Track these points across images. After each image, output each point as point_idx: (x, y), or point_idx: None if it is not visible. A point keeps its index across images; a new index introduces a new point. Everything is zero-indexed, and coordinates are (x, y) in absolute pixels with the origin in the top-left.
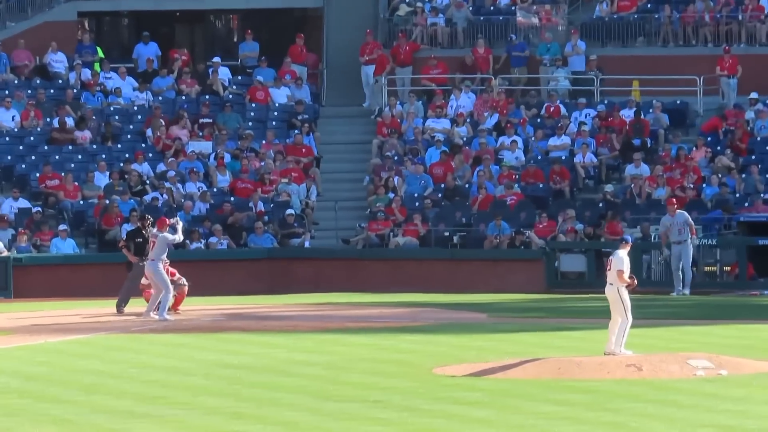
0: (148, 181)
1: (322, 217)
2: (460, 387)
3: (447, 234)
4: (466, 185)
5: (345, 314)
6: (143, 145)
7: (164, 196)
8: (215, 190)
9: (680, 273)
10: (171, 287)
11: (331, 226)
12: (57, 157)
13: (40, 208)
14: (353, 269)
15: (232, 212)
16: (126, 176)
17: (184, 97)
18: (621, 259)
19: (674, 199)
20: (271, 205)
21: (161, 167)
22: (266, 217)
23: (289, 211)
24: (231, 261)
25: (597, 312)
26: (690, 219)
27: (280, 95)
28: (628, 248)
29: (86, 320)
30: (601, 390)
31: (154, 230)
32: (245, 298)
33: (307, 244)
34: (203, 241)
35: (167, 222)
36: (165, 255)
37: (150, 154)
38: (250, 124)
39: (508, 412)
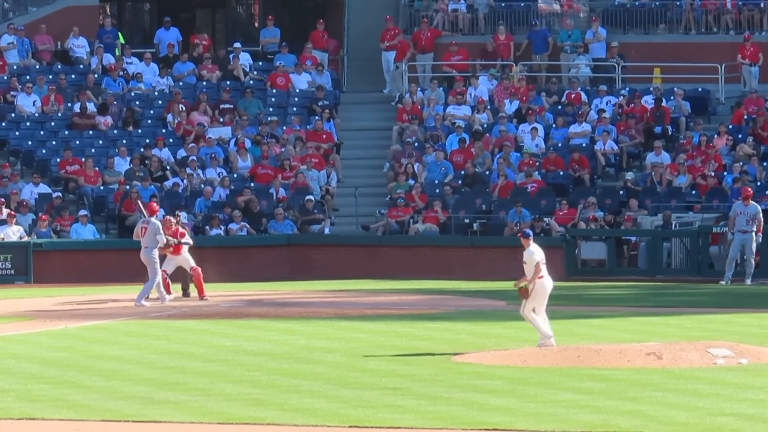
0: (168, 167)
1: (342, 203)
2: (478, 375)
3: (467, 221)
4: (486, 172)
5: (364, 301)
6: (164, 130)
7: (184, 181)
8: (235, 176)
9: (734, 262)
10: (158, 279)
11: (351, 213)
12: (78, 142)
13: (60, 194)
14: (373, 256)
15: (251, 199)
16: (146, 162)
17: (204, 83)
18: (532, 253)
19: (749, 189)
20: (291, 192)
21: (182, 153)
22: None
23: (309, 197)
24: (251, 247)
25: (617, 300)
26: (761, 214)
27: (301, 81)
28: (531, 241)
29: (105, 306)
30: (620, 378)
31: (146, 216)
32: (265, 285)
33: (327, 231)
34: (223, 227)
35: (156, 208)
36: (159, 244)
37: (170, 140)
38: (270, 109)
39: (526, 400)
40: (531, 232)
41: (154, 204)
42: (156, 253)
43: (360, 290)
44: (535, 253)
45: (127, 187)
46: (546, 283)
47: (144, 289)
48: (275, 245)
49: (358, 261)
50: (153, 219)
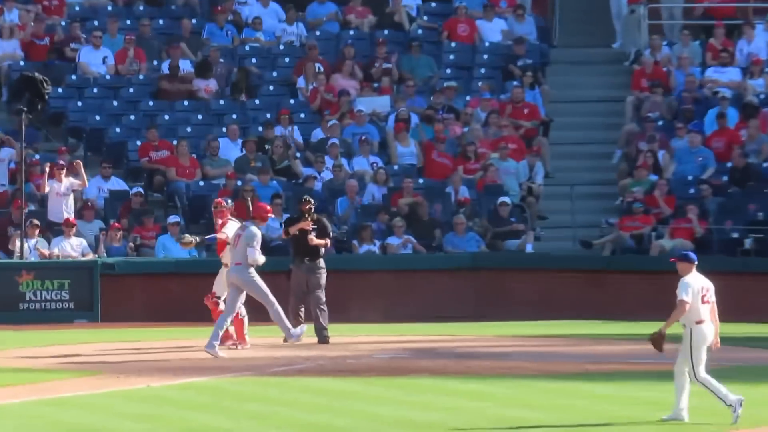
0: (299, 154)
1: (552, 208)
2: None
3: (735, 235)
4: (764, 164)
5: (584, 351)
6: (292, 101)
7: (321, 175)
8: (396, 167)
9: None
10: (273, 301)
11: (565, 223)
12: (167, 117)
13: (141, 191)
14: (596, 285)
15: (419, 201)
16: (267, 147)
17: (352, 32)
18: (687, 285)
19: None
20: (478, 191)
21: (318, 134)
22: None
23: (504, 199)
24: (418, 272)
25: None
26: None
27: (493, 31)
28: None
29: (204, 355)
30: None
31: (232, 222)
32: (439, 326)
33: (529, 248)
34: (377, 243)
35: (268, 210)
36: (255, 258)
37: (302, 115)
38: (448, 71)
39: None
40: (693, 256)
41: (267, 206)
42: (254, 272)
43: (577, 335)
44: (689, 286)
45: (238, 182)
46: (706, 331)
47: (277, 318)
48: (454, 269)
49: (576, 292)
50: (252, 226)
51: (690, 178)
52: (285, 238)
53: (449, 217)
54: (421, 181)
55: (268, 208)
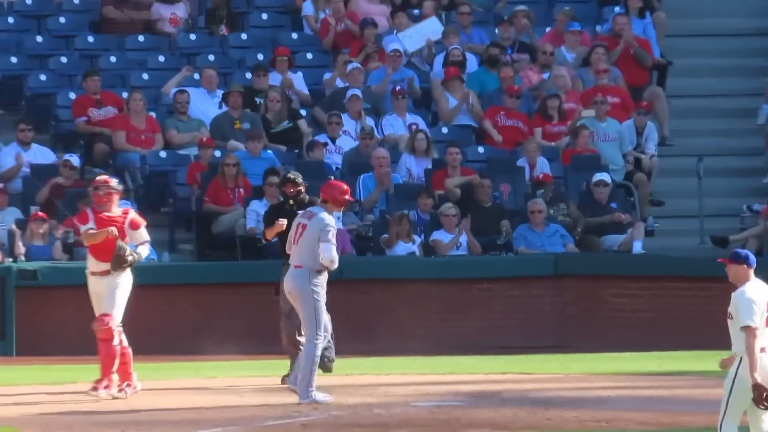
0: (303, 112)
1: (670, 189)
2: None
3: None
4: None
5: (714, 396)
6: (294, 35)
7: (338, 142)
8: (444, 131)
9: None
10: (320, 338)
11: (689, 210)
12: (113, 59)
13: (75, 163)
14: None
15: (478, 180)
16: (257, 101)
17: None
18: (748, 301)
19: None
20: (564, 165)
21: (332, 83)
22: None
23: (601, 177)
24: (476, 282)
25: None
26: None
27: None
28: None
29: (169, 402)
30: None
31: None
32: (505, 360)
33: (637, 247)
34: (418, 240)
35: (345, 191)
36: (332, 256)
37: (309, 56)
38: None
39: None
40: (749, 256)
41: (344, 185)
42: (321, 281)
43: (704, 373)
44: (754, 303)
45: (217, 153)
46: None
47: (304, 363)
48: (528, 278)
49: (701, 310)
50: (324, 212)
51: None
52: (267, 241)
53: (522, 204)
54: (480, 150)
55: (345, 187)
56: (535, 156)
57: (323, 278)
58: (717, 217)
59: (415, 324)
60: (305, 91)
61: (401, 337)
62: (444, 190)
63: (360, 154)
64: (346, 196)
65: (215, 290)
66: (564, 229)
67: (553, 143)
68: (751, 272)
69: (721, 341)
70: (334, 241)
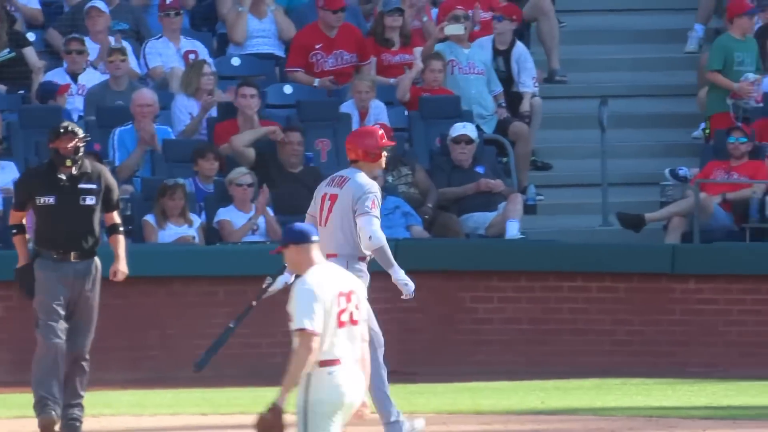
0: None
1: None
2: None
3: None
4: None
5: None
6: None
7: None
8: None
9: None
10: (381, 341)
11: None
12: None
13: None
14: (660, 302)
15: None
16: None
17: None
18: None
19: None
20: None
21: None
22: None
23: None
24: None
25: None
26: None
27: None
28: None
29: None
30: None
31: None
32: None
33: None
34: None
35: (381, 136)
36: (377, 234)
37: None
38: None
39: None
40: (308, 228)
41: (378, 128)
42: (365, 273)
43: None
44: (313, 294)
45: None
46: None
47: (377, 398)
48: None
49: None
50: (360, 173)
51: None
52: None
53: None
54: (287, 90)
55: (378, 130)
56: (368, 99)
57: (366, 268)
58: (627, 187)
59: (192, 342)
60: (35, 5)
61: (172, 359)
62: (233, 150)
63: (111, 96)
64: (383, 142)
65: None
66: (407, 205)
67: (392, 80)
68: (314, 250)
69: (634, 362)
70: (376, 212)
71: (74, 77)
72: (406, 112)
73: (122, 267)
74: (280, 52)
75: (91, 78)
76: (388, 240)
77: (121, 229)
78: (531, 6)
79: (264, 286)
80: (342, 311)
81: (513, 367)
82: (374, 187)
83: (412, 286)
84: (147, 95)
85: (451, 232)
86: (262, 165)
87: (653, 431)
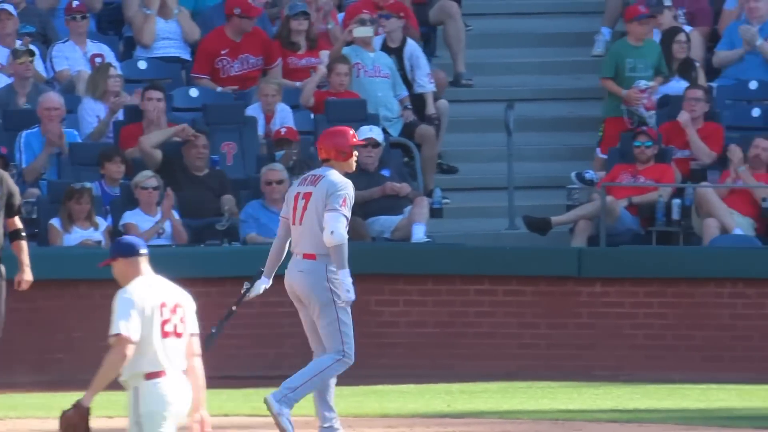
0: None
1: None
2: None
3: None
4: None
5: None
6: None
7: None
8: None
9: None
10: (351, 356)
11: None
12: None
13: None
14: (567, 305)
15: None
16: None
17: None
18: None
19: None
20: None
21: None
22: None
23: None
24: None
25: None
26: None
27: None
28: None
29: None
30: None
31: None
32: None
33: None
34: None
35: (352, 136)
36: (340, 231)
37: None
38: None
39: None
40: (136, 242)
41: (350, 129)
42: (345, 282)
43: None
44: (132, 301)
45: None
46: None
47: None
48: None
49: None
50: (332, 171)
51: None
52: None
53: (253, 171)
54: (193, 93)
55: (348, 131)
56: (274, 102)
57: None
58: (533, 190)
59: (97, 344)
60: None
61: (78, 362)
62: (140, 152)
63: (16, 98)
64: (354, 140)
65: None
66: None
67: (299, 83)
68: (143, 263)
69: (540, 366)
70: (345, 210)
71: None
72: (312, 116)
73: (27, 276)
74: (186, 56)
75: None
76: None
77: (24, 234)
78: (437, 9)
79: (243, 291)
80: (166, 321)
81: (419, 370)
82: (348, 185)
83: (353, 295)
84: (54, 98)
85: (356, 236)
86: (168, 168)
87: None
